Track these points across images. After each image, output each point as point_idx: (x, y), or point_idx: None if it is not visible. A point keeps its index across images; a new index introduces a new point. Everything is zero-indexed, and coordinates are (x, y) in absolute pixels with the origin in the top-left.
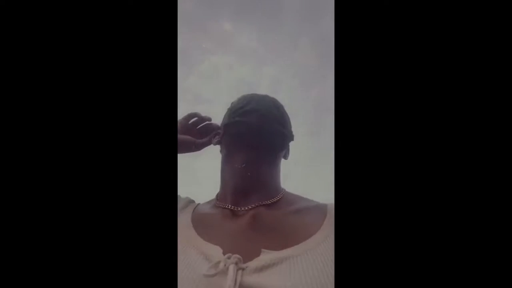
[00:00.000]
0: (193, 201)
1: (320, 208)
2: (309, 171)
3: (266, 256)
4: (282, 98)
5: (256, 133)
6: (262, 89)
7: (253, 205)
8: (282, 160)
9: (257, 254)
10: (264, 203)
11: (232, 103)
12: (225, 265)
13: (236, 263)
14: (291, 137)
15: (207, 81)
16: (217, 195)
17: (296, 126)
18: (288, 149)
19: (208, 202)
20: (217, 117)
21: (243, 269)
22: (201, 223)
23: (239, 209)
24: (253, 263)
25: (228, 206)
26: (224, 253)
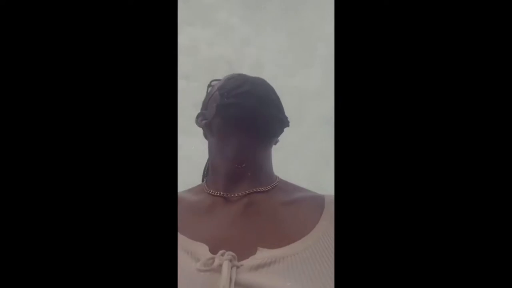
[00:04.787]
0: None
1: (317, 200)
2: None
3: (263, 254)
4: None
5: (253, 117)
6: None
7: (246, 191)
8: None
9: (251, 250)
10: (258, 189)
11: (215, 81)
12: (219, 262)
13: (230, 260)
14: (287, 123)
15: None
16: (206, 182)
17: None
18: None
19: (190, 190)
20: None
21: (237, 267)
22: (183, 216)
23: (232, 195)
24: (249, 262)
25: (219, 194)
26: (212, 250)
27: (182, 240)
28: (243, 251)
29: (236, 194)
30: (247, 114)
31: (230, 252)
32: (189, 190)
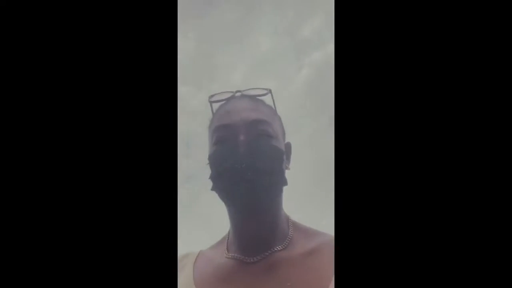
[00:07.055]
0: (186, 255)
1: (332, 247)
2: None
3: None
4: None
5: (252, 190)
6: None
7: (266, 253)
8: None
9: None
10: (276, 249)
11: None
12: None
13: None
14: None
15: None
16: (227, 242)
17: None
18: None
19: (214, 248)
20: None
21: None
22: (206, 281)
23: (251, 259)
24: None
25: (239, 257)
26: None
27: None
28: None
29: (255, 258)
30: (243, 190)
31: None
32: (211, 248)
